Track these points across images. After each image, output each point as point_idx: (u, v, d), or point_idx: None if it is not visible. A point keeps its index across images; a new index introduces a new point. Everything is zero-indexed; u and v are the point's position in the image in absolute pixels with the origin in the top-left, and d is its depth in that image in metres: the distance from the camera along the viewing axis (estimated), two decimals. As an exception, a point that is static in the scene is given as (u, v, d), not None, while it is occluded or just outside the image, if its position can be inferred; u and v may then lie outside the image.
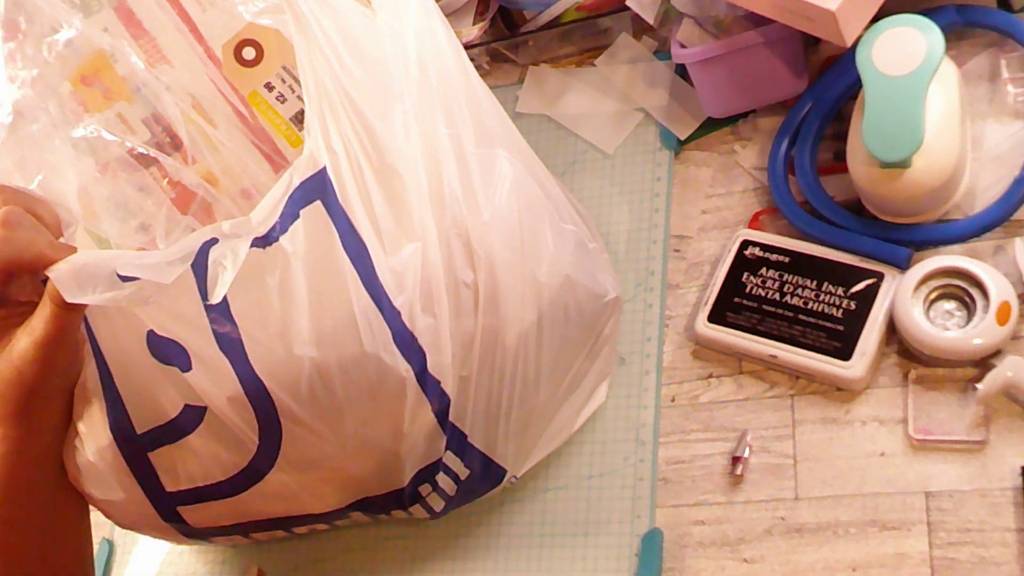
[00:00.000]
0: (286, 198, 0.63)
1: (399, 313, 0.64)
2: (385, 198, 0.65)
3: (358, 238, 0.64)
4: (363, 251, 0.64)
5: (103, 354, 0.67)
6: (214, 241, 0.61)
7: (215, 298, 0.59)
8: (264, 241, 0.62)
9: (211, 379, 0.65)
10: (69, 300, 0.57)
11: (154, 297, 0.58)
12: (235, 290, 0.60)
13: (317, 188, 0.64)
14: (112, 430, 0.67)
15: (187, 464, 0.69)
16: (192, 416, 0.67)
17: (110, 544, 0.91)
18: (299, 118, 0.77)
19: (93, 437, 0.68)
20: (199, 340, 0.65)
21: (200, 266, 0.61)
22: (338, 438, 0.67)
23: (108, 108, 0.77)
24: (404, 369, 0.65)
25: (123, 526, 0.75)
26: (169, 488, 0.70)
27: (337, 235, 0.64)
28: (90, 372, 0.68)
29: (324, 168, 0.64)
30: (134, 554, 0.90)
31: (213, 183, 0.76)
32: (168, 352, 0.65)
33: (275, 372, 0.64)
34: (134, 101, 0.77)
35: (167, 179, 0.77)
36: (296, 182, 0.64)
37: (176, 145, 0.77)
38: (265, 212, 0.63)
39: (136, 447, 0.68)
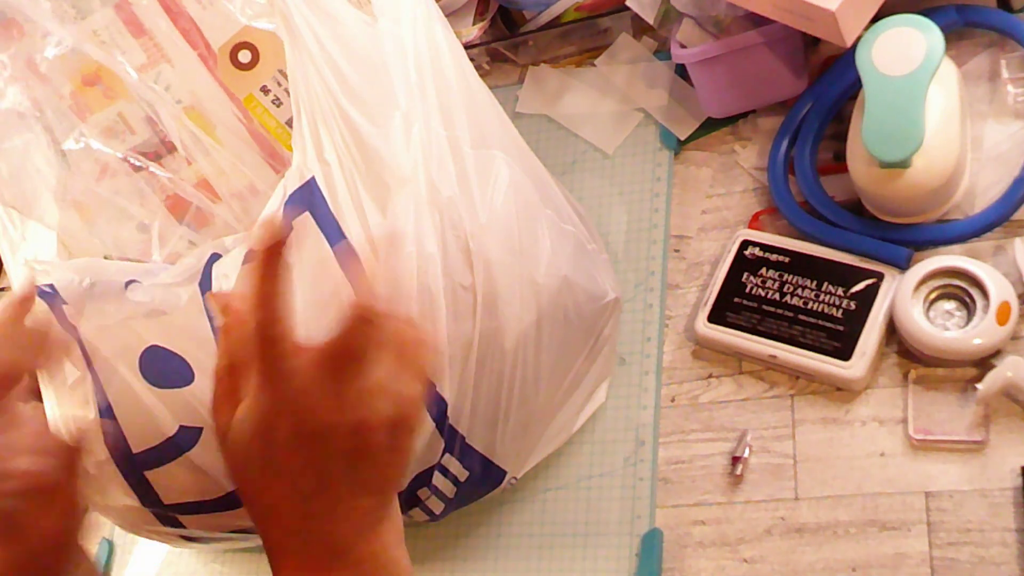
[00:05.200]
0: (282, 210, 0.63)
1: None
2: (378, 206, 0.65)
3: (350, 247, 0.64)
4: (355, 260, 0.64)
5: (97, 374, 0.66)
6: (217, 256, 0.61)
7: None
8: None
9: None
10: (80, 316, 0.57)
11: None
12: None
13: (304, 200, 0.64)
14: (109, 448, 0.67)
15: (185, 481, 0.68)
16: (188, 436, 0.66)
17: (110, 544, 0.91)
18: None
19: (91, 452, 0.67)
20: (202, 353, 0.64)
21: (204, 280, 0.61)
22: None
23: (109, 106, 0.77)
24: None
25: (124, 529, 0.75)
26: (167, 502, 0.70)
27: (328, 245, 0.63)
28: (88, 388, 0.67)
29: (311, 180, 0.63)
30: (134, 554, 0.90)
31: (209, 186, 0.76)
32: (166, 369, 0.65)
33: None
34: (133, 99, 0.77)
35: (167, 179, 0.77)
36: (288, 194, 0.64)
37: (174, 146, 0.77)
38: None
39: (132, 465, 0.68)
